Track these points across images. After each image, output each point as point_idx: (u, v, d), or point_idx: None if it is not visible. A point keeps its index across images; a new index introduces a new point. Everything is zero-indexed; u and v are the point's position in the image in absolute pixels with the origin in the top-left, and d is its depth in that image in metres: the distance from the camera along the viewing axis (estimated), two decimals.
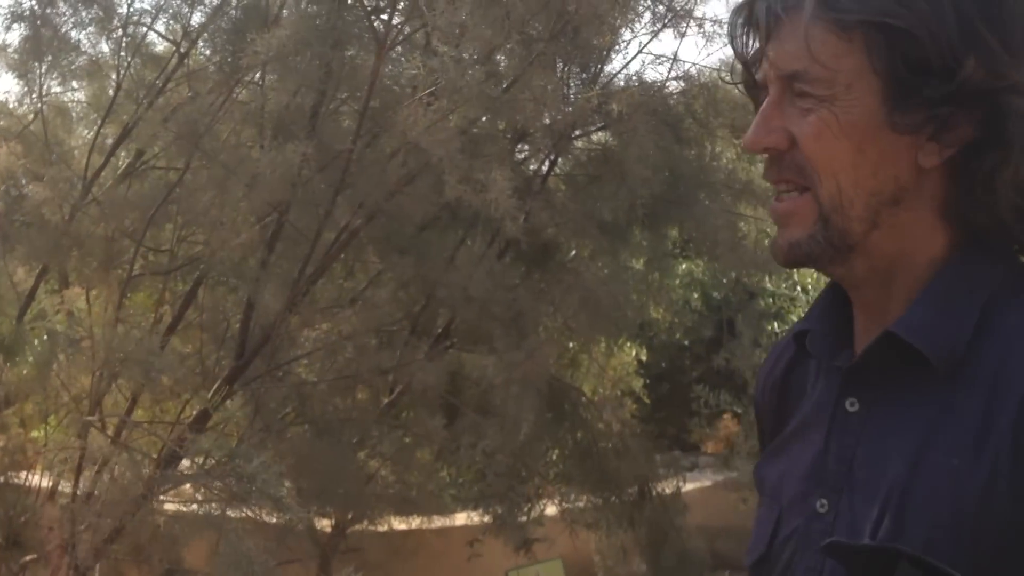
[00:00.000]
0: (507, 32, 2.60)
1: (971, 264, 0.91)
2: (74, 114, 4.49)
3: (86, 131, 4.53)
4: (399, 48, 3.10)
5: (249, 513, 3.66)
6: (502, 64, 3.23)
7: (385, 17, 3.17)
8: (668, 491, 4.65)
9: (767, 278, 4.25)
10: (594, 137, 3.84)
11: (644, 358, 5.41)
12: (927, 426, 0.89)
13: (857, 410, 0.94)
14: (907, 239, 0.92)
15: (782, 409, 1.09)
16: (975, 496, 0.84)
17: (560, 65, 3.43)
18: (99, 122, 4.01)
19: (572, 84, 3.57)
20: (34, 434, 4.46)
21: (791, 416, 1.07)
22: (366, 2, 3.03)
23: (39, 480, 3.91)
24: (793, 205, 0.94)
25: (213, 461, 3.44)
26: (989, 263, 0.91)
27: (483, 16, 2.45)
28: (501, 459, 3.17)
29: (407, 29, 3.11)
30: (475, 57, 2.65)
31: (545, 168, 3.89)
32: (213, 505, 3.60)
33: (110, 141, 4.01)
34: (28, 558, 3.62)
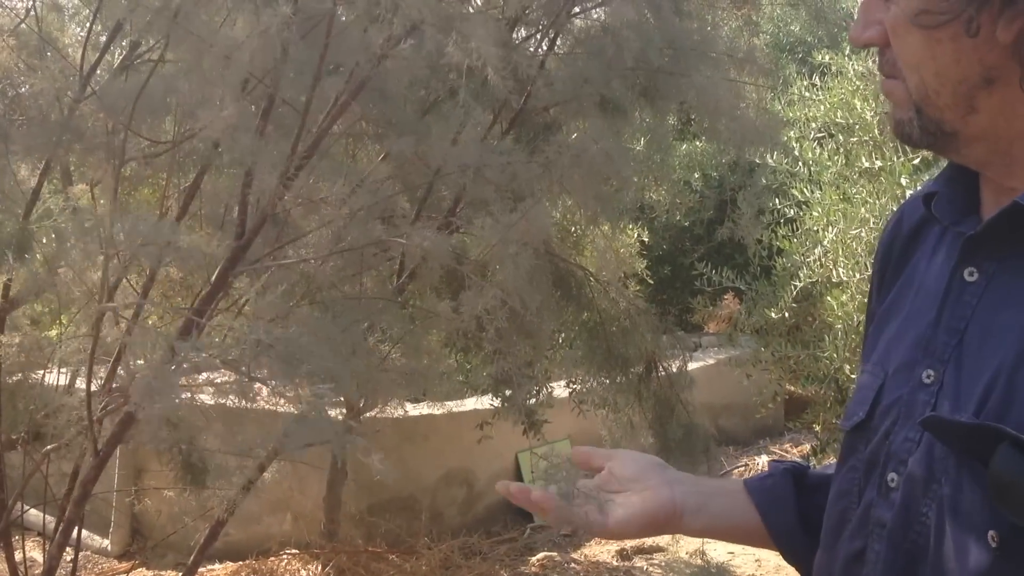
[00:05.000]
0: None
1: None
2: (67, 10, 4.43)
3: (78, 28, 4.48)
4: None
5: (265, 399, 3.73)
6: None
7: None
8: (673, 368, 4.71)
9: (768, 154, 4.23)
10: (593, 14, 3.80)
11: (646, 239, 5.43)
12: None
13: (975, 280, 0.92)
14: (1018, 118, 0.89)
15: (900, 262, 1.08)
16: None
17: None
18: (91, 18, 3.96)
19: None
20: (48, 333, 4.52)
21: (902, 275, 1.06)
22: None
23: (56, 377, 3.98)
24: (892, 85, 0.95)
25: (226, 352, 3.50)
26: None
27: None
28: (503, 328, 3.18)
29: None
30: None
31: (544, 48, 3.86)
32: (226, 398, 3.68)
33: (103, 39, 3.96)
34: (50, 447, 3.70)
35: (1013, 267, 0.90)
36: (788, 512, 1.21)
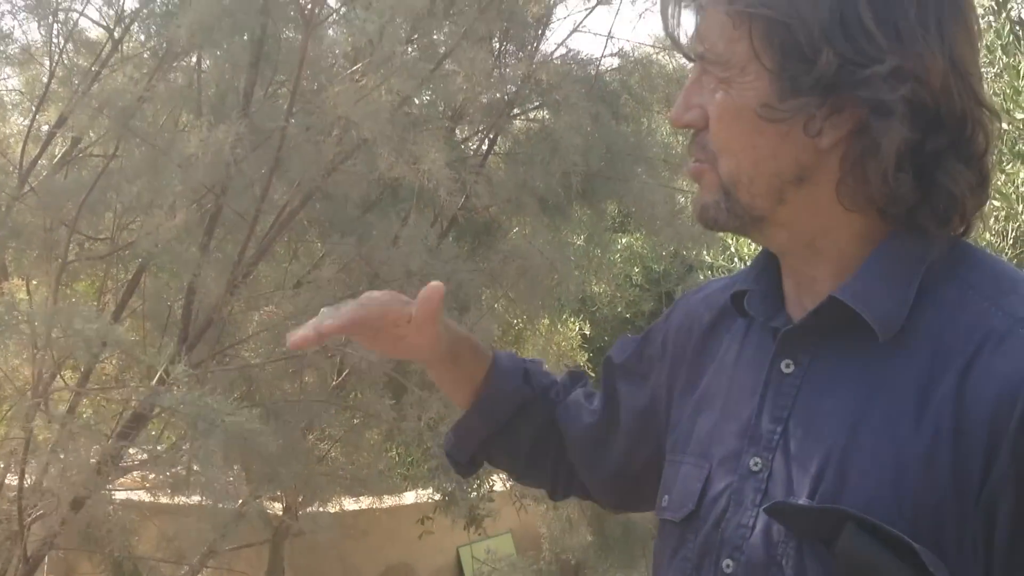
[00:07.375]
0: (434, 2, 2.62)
1: (909, 240, 0.92)
2: (8, 103, 4.41)
3: (21, 119, 4.46)
4: (331, 23, 3.11)
5: (199, 500, 3.66)
6: (434, 37, 3.25)
7: None
8: None
9: (705, 251, 4.31)
10: (532, 115, 3.88)
11: (587, 332, 5.47)
12: (866, 392, 0.91)
13: (792, 372, 0.97)
14: (821, 215, 0.94)
15: (702, 355, 1.12)
16: (916, 462, 0.85)
17: (496, 44, 3.46)
18: (33, 110, 3.95)
19: (508, 62, 3.60)
20: None
21: (707, 367, 1.11)
22: None
23: None
24: (701, 169, 0.99)
25: (161, 448, 3.44)
26: (925, 240, 0.92)
27: None
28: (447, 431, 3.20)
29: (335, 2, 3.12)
30: (404, 31, 2.67)
31: (484, 147, 3.93)
32: (161, 494, 3.60)
33: (46, 129, 3.95)
34: None
35: (827, 357, 0.95)
36: (495, 424, 1.29)
